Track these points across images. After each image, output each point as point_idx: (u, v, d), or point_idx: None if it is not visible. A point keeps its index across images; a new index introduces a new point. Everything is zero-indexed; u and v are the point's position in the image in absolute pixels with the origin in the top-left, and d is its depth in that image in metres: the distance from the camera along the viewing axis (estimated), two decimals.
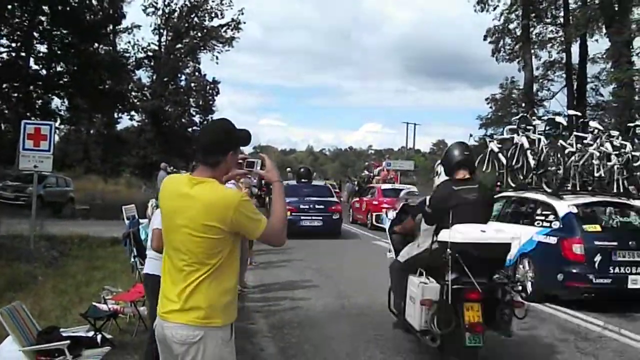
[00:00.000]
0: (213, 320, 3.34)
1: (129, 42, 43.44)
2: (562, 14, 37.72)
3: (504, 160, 12.92)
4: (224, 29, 44.86)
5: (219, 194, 3.36)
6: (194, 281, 3.33)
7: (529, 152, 12.12)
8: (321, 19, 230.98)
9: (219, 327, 3.37)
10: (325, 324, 8.60)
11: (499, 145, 13.58)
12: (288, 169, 38.66)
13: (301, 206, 19.77)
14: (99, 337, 6.44)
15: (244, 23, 45.22)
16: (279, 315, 9.04)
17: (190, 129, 46.82)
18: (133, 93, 41.78)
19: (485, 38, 39.89)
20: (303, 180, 22.28)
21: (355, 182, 37.95)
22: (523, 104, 38.99)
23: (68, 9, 29.74)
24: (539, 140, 12.18)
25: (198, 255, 3.31)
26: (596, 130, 12.26)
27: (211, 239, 3.29)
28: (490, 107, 40.83)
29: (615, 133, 12.31)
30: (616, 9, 32.17)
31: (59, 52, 31.23)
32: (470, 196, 6.32)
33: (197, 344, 3.31)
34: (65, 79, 31.70)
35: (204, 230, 3.28)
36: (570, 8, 36.97)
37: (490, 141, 14.34)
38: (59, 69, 32.28)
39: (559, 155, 11.27)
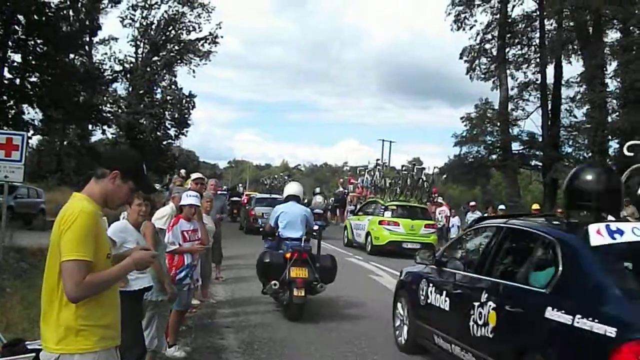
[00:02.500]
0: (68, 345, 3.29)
1: (106, 53, 43.19)
2: (537, 35, 38.21)
3: None
4: (201, 42, 44.88)
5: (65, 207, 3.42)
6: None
7: None
8: (300, 35, 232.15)
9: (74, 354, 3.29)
10: (295, 340, 8.58)
11: None
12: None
13: None
14: None
15: (222, 37, 45.30)
16: (249, 331, 9.00)
17: (165, 142, 46.62)
18: (108, 105, 41.57)
19: (460, 57, 40.29)
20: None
21: (331, 199, 38.07)
22: (498, 123, 39.35)
23: (44, 18, 29.57)
24: None
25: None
26: None
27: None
28: (466, 126, 41.13)
29: None
30: (590, 32, 32.67)
31: (33, 62, 31.00)
32: None
33: None
34: (40, 89, 31.45)
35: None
36: (546, 30, 37.46)
37: None
38: (33, 79, 32.01)
39: None
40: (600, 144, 31.31)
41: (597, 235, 5.08)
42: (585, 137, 34.61)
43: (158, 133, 45.60)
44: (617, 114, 30.51)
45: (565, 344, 4.87)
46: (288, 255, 9.76)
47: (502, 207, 22.82)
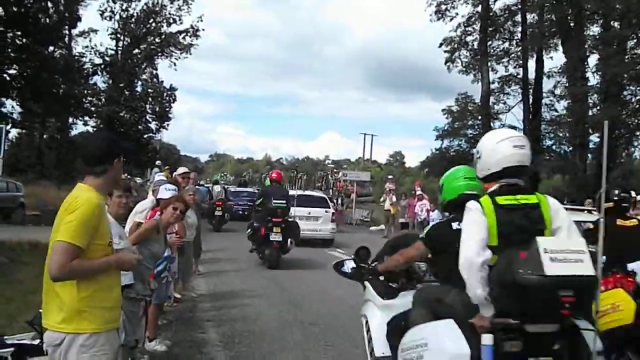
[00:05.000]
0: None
1: (86, 46, 42.79)
2: (519, 29, 38.33)
3: None
4: (182, 35, 44.56)
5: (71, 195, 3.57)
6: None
7: None
8: (282, 28, 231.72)
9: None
10: (276, 334, 8.57)
11: None
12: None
13: None
14: (45, 345, 6.32)
15: (203, 30, 44.98)
16: (230, 325, 8.98)
17: (145, 136, 46.34)
18: (88, 98, 41.22)
19: (440, 46, 40.30)
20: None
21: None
22: (479, 117, 39.48)
23: (22, 10, 29.30)
24: None
25: None
26: None
27: None
28: (447, 119, 41.24)
29: None
30: (572, 25, 32.83)
31: (12, 54, 30.71)
32: None
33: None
34: (19, 82, 31.17)
35: None
36: (527, 23, 37.61)
37: None
38: (12, 71, 31.71)
39: None
40: (581, 138, 31.52)
41: None
42: (566, 130, 34.84)
43: (139, 126, 45.25)
44: (598, 108, 30.68)
45: None
46: None
47: None
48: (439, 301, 4.59)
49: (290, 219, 15.82)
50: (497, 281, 3.82)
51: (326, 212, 21.99)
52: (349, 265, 6.34)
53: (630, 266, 6.10)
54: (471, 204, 4.11)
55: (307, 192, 26.02)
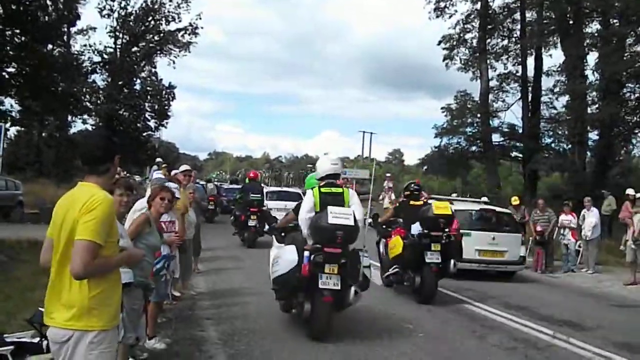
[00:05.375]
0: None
1: (85, 45, 42.72)
2: (518, 26, 38.31)
3: None
4: (181, 33, 44.50)
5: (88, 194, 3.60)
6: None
7: None
8: (282, 27, 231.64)
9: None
10: (276, 332, 8.57)
11: None
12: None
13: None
14: (44, 343, 6.29)
15: (202, 28, 44.95)
16: (230, 322, 8.96)
17: (144, 134, 46.31)
18: (87, 96, 41.17)
19: (439, 43, 40.29)
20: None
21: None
22: (479, 115, 39.44)
23: (21, 8, 29.20)
24: None
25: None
26: None
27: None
28: (446, 117, 41.21)
29: None
30: (571, 23, 32.80)
31: (11, 52, 30.62)
32: None
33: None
34: (18, 80, 31.08)
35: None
36: (526, 21, 37.60)
37: None
38: (11, 69, 31.61)
39: None
40: (580, 135, 31.51)
41: None
42: (565, 128, 34.82)
43: (138, 124, 45.25)
44: (597, 105, 30.67)
45: None
46: None
47: (485, 199, 22.77)
48: (292, 238, 8.89)
49: (264, 209, 19.01)
50: (312, 226, 8.25)
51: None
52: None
53: (413, 226, 11.75)
54: (308, 191, 8.77)
55: (285, 189, 30.18)
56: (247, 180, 21.44)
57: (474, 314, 10.82)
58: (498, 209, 17.66)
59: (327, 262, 8.02)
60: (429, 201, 13.00)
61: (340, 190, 8.60)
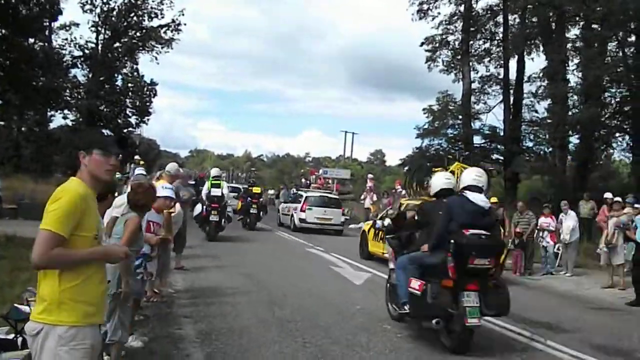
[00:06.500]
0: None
1: (66, 39, 42.39)
2: (501, 29, 38.43)
3: None
4: (164, 29, 44.25)
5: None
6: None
7: None
8: (267, 25, 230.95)
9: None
10: (254, 330, 8.51)
11: None
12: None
13: None
14: (19, 339, 6.22)
15: (185, 25, 44.73)
16: (208, 321, 8.90)
17: (125, 130, 46.03)
18: (67, 91, 40.86)
19: (422, 45, 40.32)
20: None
21: (292, 190, 37.71)
22: (460, 117, 39.50)
23: (3, 1, 28.96)
24: None
25: None
26: None
27: None
28: (428, 118, 41.23)
29: None
30: (553, 27, 32.95)
31: None
32: None
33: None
34: None
35: None
36: (509, 24, 37.72)
37: None
38: None
39: None
40: (561, 139, 31.64)
41: None
42: (546, 131, 34.94)
43: (118, 121, 44.96)
44: (578, 109, 30.81)
45: None
46: None
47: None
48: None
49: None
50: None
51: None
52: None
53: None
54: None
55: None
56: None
57: None
58: (330, 195, 29.59)
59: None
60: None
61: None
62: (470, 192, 8.20)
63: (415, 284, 8.16)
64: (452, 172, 15.08)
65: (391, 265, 9.84)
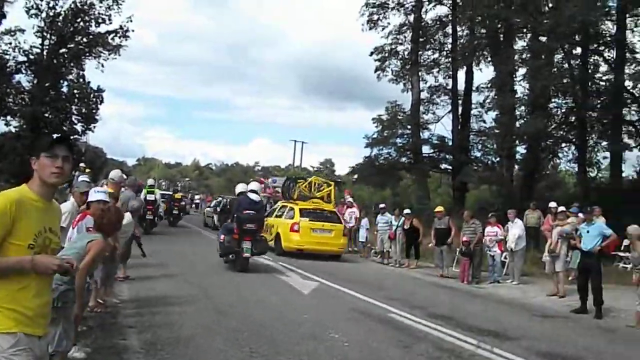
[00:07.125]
0: None
1: (10, 43, 41.48)
2: (450, 40, 38.89)
3: None
4: (112, 35, 43.62)
5: None
6: None
7: None
8: (217, 33, 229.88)
9: None
10: (199, 340, 8.36)
11: None
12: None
13: None
14: None
15: (133, 31, 44.12)
16: (153, 331, 8.70)
17: (71, 138, 45.22)
18: (11, 97, 40.01)
19: (371, 54, 40.59)
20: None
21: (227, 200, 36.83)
22: (409, 126, 39.81)
23: None
24: None
25: None
26: None
27: None
28: (377, 127, 41.47)
29: None
30: (501, 39, 33.43)
31: None
32: None
33: None
34: None
35: None
36: (458, 35, 38.18)
37: None
38: None
39: None
40: (509, 149, 32.09)
41: None
42: (493, 141, 35.41)
43: (64, 127, 44.10)
44: (525, 119, 31.27)
45: None
46: None
47: (407, 211, 22.54)
48: None
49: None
50: None
51: None
52: None
53: None
54: None
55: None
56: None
57: (399, 324, 10.81)
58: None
59: None
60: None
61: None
62: (250, 193, 16.63)
63: (222, 237, 16.36)
64: (310, 183, 26.03)
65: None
